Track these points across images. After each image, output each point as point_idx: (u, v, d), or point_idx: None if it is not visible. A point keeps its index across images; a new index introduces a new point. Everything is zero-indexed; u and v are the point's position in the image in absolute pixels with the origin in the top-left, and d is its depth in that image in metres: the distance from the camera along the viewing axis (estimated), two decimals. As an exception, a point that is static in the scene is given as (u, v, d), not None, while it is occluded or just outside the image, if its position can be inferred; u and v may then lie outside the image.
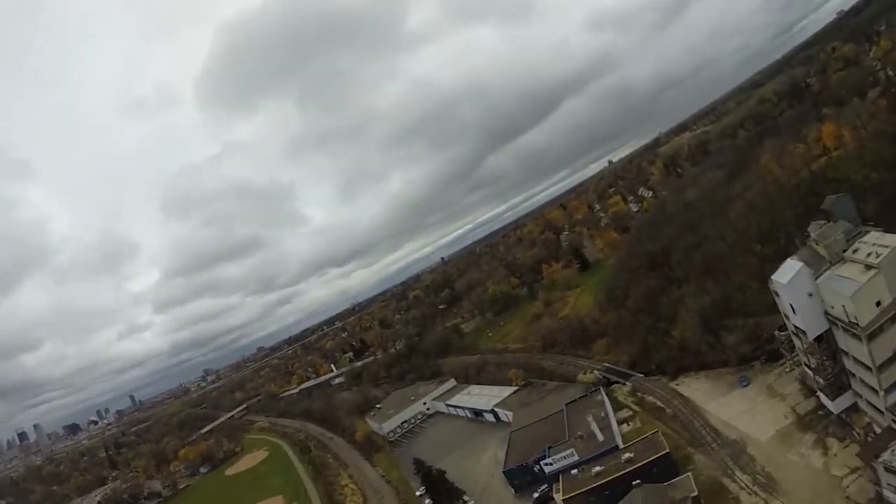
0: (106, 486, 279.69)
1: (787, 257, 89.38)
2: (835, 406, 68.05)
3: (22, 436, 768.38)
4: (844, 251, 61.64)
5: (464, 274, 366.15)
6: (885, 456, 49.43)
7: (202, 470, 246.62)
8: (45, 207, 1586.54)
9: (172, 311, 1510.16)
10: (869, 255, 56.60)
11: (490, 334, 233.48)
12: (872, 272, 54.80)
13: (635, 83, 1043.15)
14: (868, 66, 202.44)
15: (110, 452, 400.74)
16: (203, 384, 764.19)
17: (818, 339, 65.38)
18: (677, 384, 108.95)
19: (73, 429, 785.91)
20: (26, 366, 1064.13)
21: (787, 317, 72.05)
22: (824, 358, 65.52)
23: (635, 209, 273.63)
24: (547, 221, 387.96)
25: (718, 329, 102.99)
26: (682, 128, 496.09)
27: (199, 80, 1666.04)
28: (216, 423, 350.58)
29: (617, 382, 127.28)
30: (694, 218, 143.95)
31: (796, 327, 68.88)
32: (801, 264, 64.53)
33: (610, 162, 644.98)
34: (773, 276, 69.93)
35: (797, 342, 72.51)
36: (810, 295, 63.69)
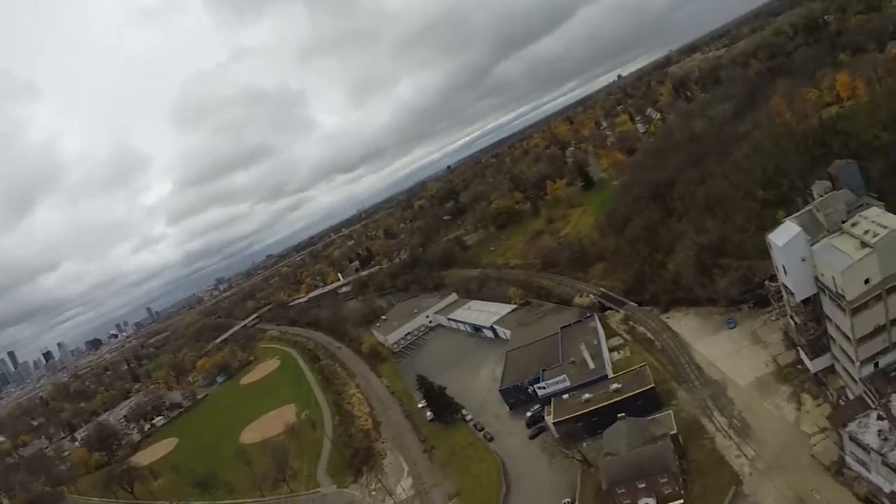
0: (130, 400, 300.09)
1: (787, 204, 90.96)
2: (813, 365, 71.71)
3: (47, 355, 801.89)
4: (843, 222, 62.02)
5: (469, 185, 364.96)
6: (852, 426, 53.60)
7: (219, 380, 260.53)
8: (54, 127, 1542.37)
9: (185, 221, 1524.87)
10: (867, 232, 57.11)
11: (492, 248, 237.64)
12: (867, 251, 55.67)
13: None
14: (889, 14, 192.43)
15: (132, 365, 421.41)
16: (216, 293, 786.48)
17: (805, 300, 67.59)
18: (668, 317, 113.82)
19: (94, 344, 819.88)
20: (47, 286, 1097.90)
21: (778, 271, 73.87)
22: (809, 319, 68.16)
23: (642, 130, 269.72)
24: (553, 136, 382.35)
25: (713, 268, 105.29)
26: (693, 48, 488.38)
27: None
28: (230, 332, 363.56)
29: (611, 309, 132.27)
30: (700, 152, 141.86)
31: (785, 286, 70.94)
32: (798, 229, 65.04)
33: (619, 76, 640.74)
34: (769, 235, 70.74)
35: (785, 297, 74.87)
36: (803, 260, 64.82)
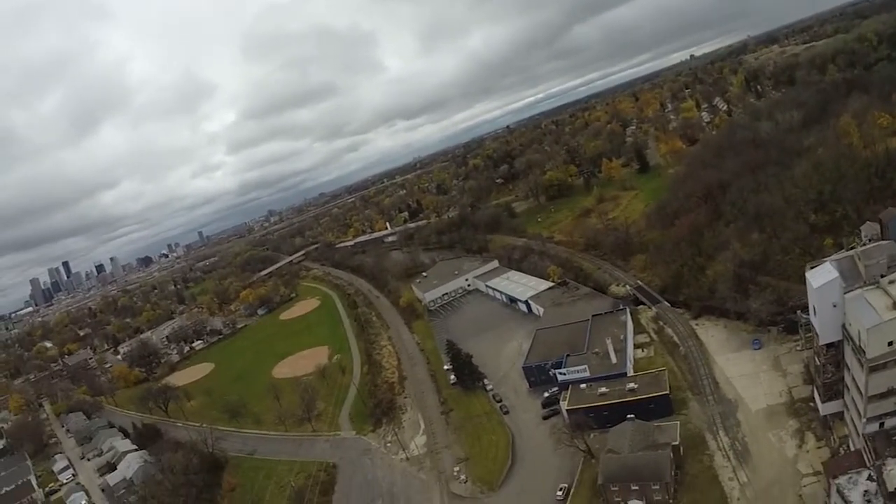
0: (173, 321, 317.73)
1: (836, 232, 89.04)
2: (823, 408, 72.34)
3: (99, 268, 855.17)
4: (882, 276, 61.16)
5: (525, 151, 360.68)
6: (842, 480, 54.99)
7: (259, 312, 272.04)
8: (125, 49, 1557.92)
9: (244, 151, 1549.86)
10: (902, 293, 56.43)
11: (539, 220, 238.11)
12: (896, 314, 55.28)
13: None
14: None
15: (178, 287, 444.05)
16: (266, 224, 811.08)
17: (829, 344, 67.62)
18: (697, 324, 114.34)
19: (145, 261, 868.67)
20: (105, 203, 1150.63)
21: (809, 309, 73.47)
22: (829, 363, 68.31)
23: (707, 120, 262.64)
24: (616, 111, 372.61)
25: (750, 283, 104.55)
26: (772, 38, 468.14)
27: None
28: (276, 266, 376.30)
29: (644, 304, 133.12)
30: (759, 158, 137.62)
31: (813, 325, 70.87)
32: (836, 275, 64.43)
33: (692, 56, 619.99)
34: (807, 273, 70.27)
35: (813, 334, 74.71)
36: (834, 306, 64.45)
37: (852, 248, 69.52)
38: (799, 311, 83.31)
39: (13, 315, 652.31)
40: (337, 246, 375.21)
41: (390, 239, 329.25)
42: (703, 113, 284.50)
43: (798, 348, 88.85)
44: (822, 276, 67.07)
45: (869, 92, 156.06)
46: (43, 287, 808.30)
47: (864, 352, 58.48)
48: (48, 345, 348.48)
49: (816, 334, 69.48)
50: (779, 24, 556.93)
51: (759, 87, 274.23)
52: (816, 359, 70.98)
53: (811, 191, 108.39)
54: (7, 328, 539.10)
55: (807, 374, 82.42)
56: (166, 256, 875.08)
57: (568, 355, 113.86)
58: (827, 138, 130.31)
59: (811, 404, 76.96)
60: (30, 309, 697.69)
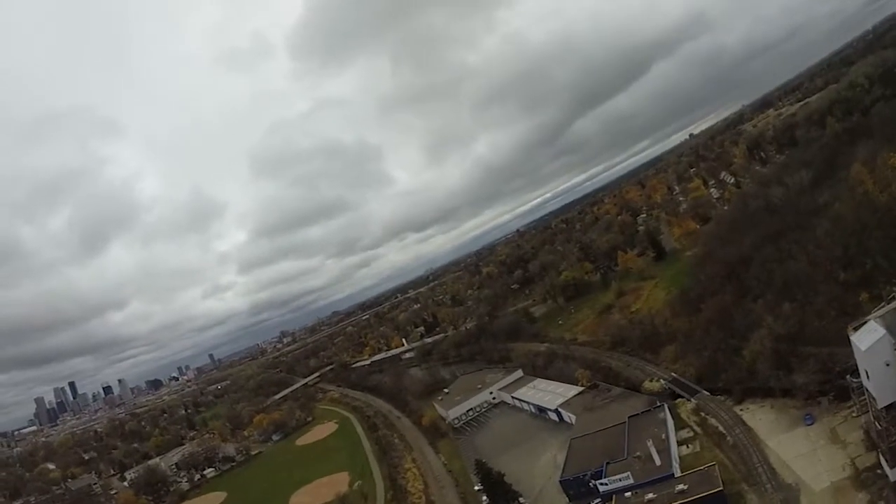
0: (183, 447, 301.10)
1: (870, 285, 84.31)
2: (892, 473, 65.58)
3: (107, 389, 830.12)
4: (930, 322, 56.36)
5: (538, 253, 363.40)
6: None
7: (274, 437, 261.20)
8: (134, 166, 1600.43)
9: (255, 271, 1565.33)
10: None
11: (560, 322, 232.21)
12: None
13: (726, 47, 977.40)
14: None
15: (189, 412, 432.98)
16: (279, 346, 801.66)
17: (889, 405, 61.39)
18: (741, 409, 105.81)
19: (155, 384, 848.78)
20: (114, 323, 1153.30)
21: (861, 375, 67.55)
22: (891, 425, 62.45)
23: (717, 195, 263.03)
24: (625, 201, 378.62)
25: (791, 355, 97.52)
26: (766, 103, 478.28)
27: (293, 32, 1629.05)
28: (290, 389, 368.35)
29: (681, 397, 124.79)
30: (776, 226, 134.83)
31: (868, 390, 64.56)
32: (883, 332, 60.69)
33: (691, 135, 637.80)
34: (851, 337, 65.74)
35: (868, 400, 68.14)
36: (888, 364, 60.28)
37: (893, 298, 65.71)
38: (848, 376, 76.64)
39: (16, 433, 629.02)
40: (353, 366, 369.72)
41: (408, 356, 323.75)
42: (712, 189, 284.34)
43: (854, 415, 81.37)
44: (868, 336, 63.10)
45: (873, 136, 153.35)
46: (48, 406, 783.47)
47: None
48: (51, 466, 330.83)
49: (873, 398, 63.03)
50: (770, 87, 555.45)
51: (762, 153, 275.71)
52: (877, 423, 64.80)
53: (836, 248, 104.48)
54: (9, 445, 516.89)
55: (868, 440, 74.89)
56: (176, 379, 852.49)
57: (608, 463, 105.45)
58: (841, 191, 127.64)
59: (879, 472, 69.21)
60: (33, 428, 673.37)
